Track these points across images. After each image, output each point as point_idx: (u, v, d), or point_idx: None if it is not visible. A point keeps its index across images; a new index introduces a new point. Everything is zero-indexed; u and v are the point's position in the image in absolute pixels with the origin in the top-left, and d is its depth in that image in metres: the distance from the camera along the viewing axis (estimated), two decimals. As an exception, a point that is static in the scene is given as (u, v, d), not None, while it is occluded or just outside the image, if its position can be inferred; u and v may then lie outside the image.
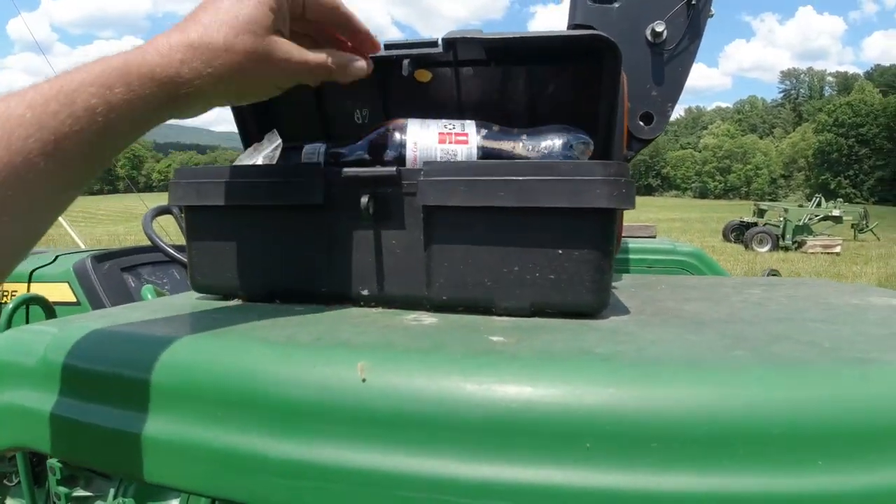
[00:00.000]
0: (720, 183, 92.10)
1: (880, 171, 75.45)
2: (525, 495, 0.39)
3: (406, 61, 0.69)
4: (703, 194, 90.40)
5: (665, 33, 1.27)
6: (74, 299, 2.05)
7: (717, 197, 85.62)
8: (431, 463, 0.41)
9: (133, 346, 0.55)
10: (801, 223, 15.94)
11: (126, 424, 0.51)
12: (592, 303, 0.63)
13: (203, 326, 0.61)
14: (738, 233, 17.08)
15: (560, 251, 0.62)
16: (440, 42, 0.68)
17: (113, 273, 2.14)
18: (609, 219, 0.62)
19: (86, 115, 0.43)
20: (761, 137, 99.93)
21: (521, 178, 0.60)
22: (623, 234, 2.42)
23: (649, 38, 1.27)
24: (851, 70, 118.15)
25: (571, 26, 1.34)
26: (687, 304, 0.75)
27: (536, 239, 0.62)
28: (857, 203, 38.26)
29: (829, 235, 15.97)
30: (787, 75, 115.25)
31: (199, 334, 0.56)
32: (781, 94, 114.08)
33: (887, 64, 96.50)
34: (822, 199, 19.06)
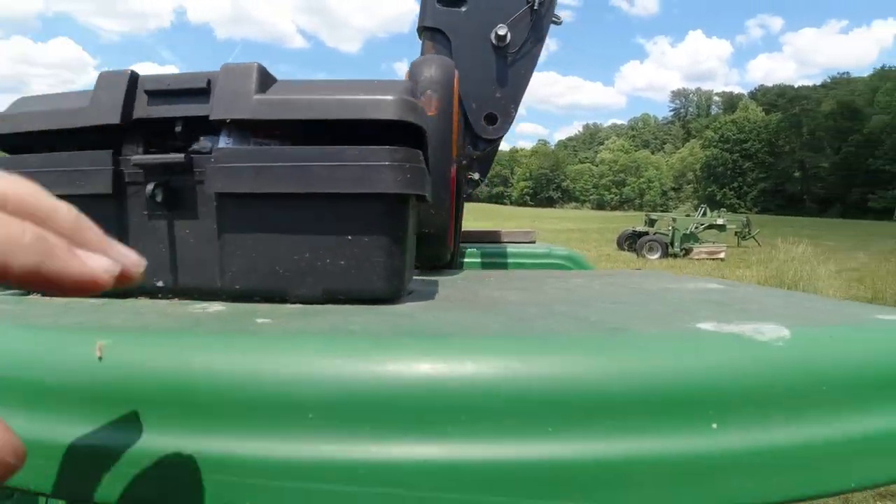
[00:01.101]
0: (616, 195, 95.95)
1: (762, 184, 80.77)
2: (241, 467, 0.38)
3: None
4: (600, 206, 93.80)
5: (508, 36, 1.30)
6: None
7: (614, 208, 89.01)
8: (161, 438, 0.40)
9: None
10: (688, 231, 16.75)
11: None
12: (384, 288, 0.63)
13: None
14: (631, 241, 17.74)
15: (350, 237, 0.62)
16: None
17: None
18: (398, 204, 0.62)
19: None
20: (653, 153, 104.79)
21: (307, 163, 0.60)
22: (504, 240, 2.49)
23: (494, 41, 1.31)
24: (737, 90, 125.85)
25: (421, 28, 1.36)
26: (499, 292, 0.77)
27: (326, 225, 0.62)
28: (742, 213, 40.57)
29: (713, 243, 16.84)
30: (677, 95, 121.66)
31: None
32: (672, 112, 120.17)
33: (770, 84, 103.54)
34: (707, 209, 20.11)
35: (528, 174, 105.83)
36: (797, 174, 78.36)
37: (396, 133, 0.66)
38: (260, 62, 0.65)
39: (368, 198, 0.60)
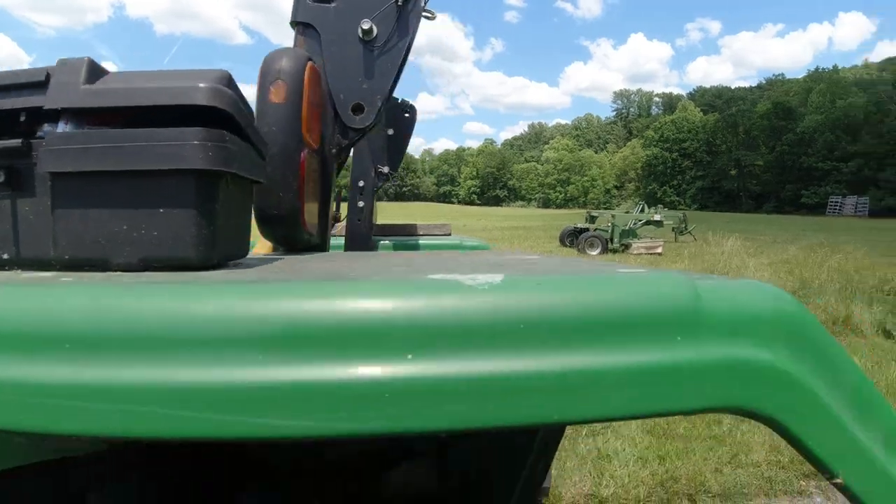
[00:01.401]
0: (561, 194, 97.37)
1: (700, 181, 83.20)
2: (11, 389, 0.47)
3: None
4: (545, 204, 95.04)
5: (374, 30, 1.40)
6: None
7: (559, 206, 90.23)
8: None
9: None
10: (627, 228, 17.15)
11: None
12: (194, 256, 0.72)
13: None
14: (573, 238, 18.05)
15: (162, 210, 0.71)
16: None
17: None
18: (206, 179, 0.72)
19: None
20: (596, 152, 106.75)
21: (123, 144, 0.69)
22: (420, 233, 2.60)
23: (360, 35, 1.40)
24: (676, 91, 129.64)
25: (293, 23, 1.44)
26: (326, 265, 0.86)
27: (141, 200, 0.71)
28: (681, 209, 41.60)
29: (651, 238, 17.27)
30: (619, 95, 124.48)
31: None
32: (614, 113, 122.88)
33: (708, 86, 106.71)
34: (646, 206, 20.62)
35: (475, 173, 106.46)
36: (733, 172, 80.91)
37: (223, 118, 0.74)
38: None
39: (177, 173, 0.70)
